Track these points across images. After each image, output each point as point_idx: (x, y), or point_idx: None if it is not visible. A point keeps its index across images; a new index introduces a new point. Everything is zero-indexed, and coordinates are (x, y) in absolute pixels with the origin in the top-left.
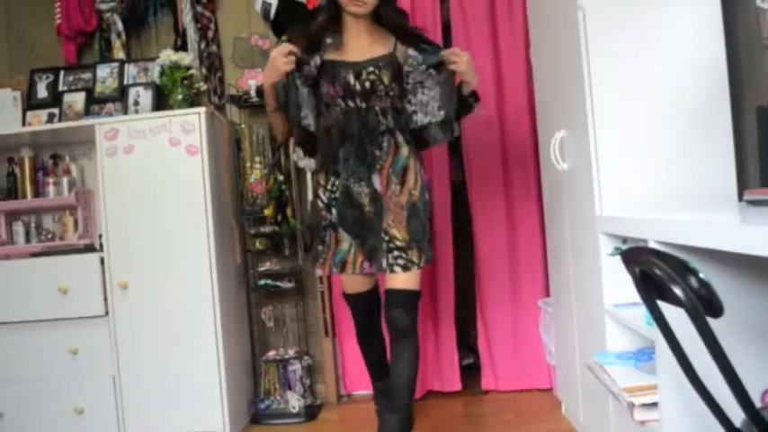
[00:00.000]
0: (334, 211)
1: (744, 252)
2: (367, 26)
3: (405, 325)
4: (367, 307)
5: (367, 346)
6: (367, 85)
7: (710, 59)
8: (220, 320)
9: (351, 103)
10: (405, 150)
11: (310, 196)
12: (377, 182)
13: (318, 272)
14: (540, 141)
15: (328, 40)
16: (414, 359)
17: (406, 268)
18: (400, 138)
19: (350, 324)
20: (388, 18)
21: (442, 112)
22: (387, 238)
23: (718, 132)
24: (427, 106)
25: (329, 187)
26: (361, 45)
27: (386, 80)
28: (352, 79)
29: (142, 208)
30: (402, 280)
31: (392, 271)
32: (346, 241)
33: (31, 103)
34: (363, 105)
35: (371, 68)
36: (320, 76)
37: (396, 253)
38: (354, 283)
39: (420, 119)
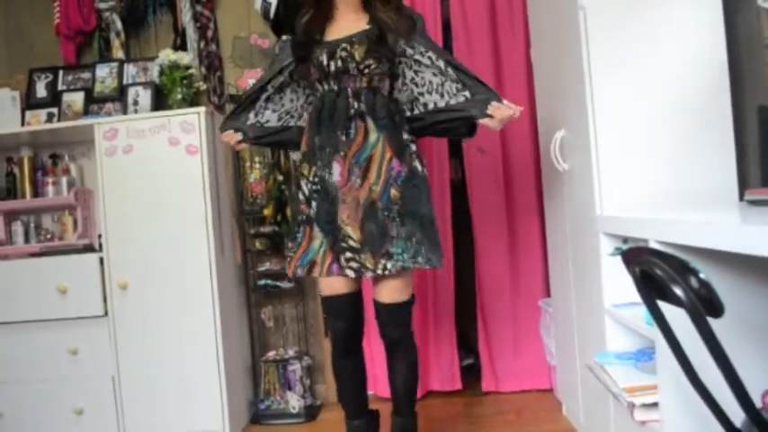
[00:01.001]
0: (313, 204)
1: (744, 252)
2: (354, 5)
3: (396, 338)
4: (344, 313)
5: (341, 366)
6: (339, 64)
7: (711, 59)
8: (220, 320)
9: (326, 86)
10: (373, 137)
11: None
12: (336, 171)
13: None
14: (540, 141)
15: (303, 20)
16: (410, 370)
17: (358, 273)
18: (371, 123)
19: None
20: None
21: (467, 91)
22: (340, 236)
23: (719, 132)
24: (443, 86)
25: (311, 178)
26: (346, 22)
27: (357, 56)
28: (325, 59)
29: (141, 208)
30: (387, 292)
31: (342, 273)
32: (318, 239)
33: (30, 102)
34: (335, 87)
35: (344, 45)
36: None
37: (348, 254)
38: (331, 284)
39: (435, 100)
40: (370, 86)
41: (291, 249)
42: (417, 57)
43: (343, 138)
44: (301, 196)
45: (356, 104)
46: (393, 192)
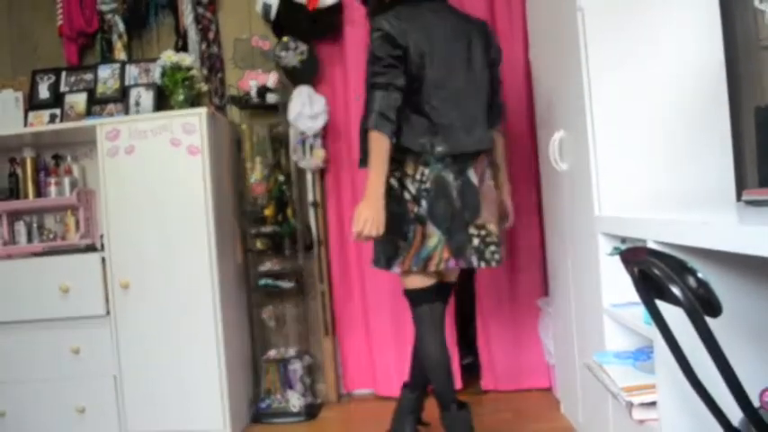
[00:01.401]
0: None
1: (742, 252)
2: None
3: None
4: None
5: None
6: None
7: (709, 60)
8: (221, 320)
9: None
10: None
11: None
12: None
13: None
14: (539, 141)
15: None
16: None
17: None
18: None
19: (350, 323)
20: None
21: None
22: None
23: (717, 133)
24: None
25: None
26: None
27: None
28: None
29: (143, 208)
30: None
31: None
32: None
33: (32, 103)
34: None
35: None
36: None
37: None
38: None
39: None
40: None
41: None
42: None
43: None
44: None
45: None
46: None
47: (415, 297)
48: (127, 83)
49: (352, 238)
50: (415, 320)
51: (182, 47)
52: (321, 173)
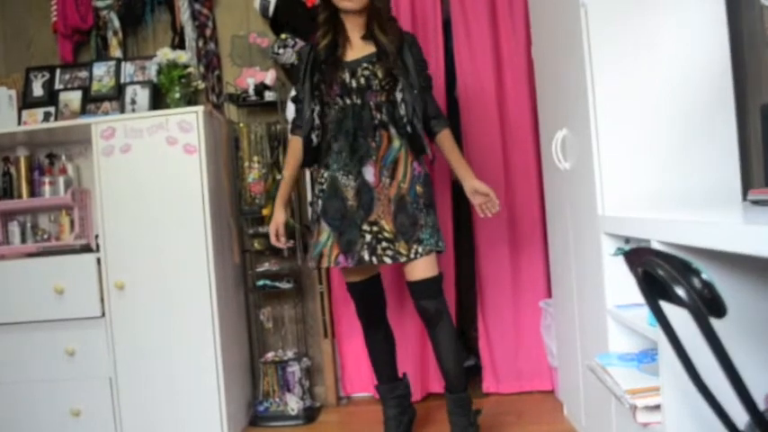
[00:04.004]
0: (320, 202)
1: (747, 252)
2: (359, 24)
3: (433, 311)
4: (365, 295)
5: (369, 340)
6: (362, 81)
7: (714, 57)
8: (218, 321)
9: (348, 101)
10: (396, 143)
11: (309, 196)
12: (369, 174)
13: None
14: (541, 140)
15: (321, 45)
16: (452, 339)
17: (394, 259)
18: (393, 131)
19: (349, 325)
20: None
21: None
22: (376, 229)
23: (722, 131)
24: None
25: (319, 179)
26: (355, 43)
27: (380, 74)
28: (348, 77)
29: (139, 208)
30: (419, 270)
31: (381, 261)
32: (325, 233)
33: (26, 101)
34: (359, 101)
35: (366, 64)
36: (320, 78)
37: (384, 244)
38: (351, 271)
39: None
40: (388, 99)
41: (310, 245)
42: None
43: (373, 144)
44: (313, 197)
45: (379, 116)
46: (418, 188)
47: (348, 291)
48: (122, 80)
49: None
50: None
51: (178, 44)
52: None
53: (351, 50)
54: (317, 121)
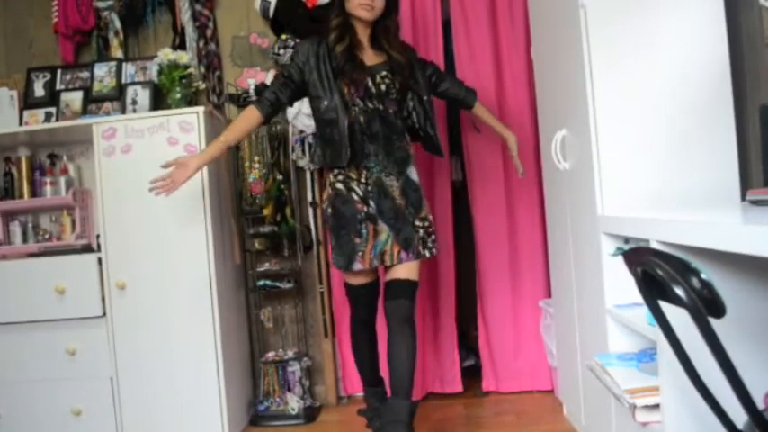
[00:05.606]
0: (372, 203)
1: (746, 252)
2: (368, 33)
3: (408, 314)
4: (369, 298)
5: (362, 343)
6: (382, 87)
7: (713, 58)
8: (219, 321)
9: (369, 104)
10: (411, 151)
11: (327, 191)
12: (413, 173)
13: (358, 266)
14: (541, 141)
15: (338, 47)
16: (414, 346)
17: (431, 252)
18: (407, 138)
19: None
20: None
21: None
22: (426, 224)
23: (721, 131)
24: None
25: (363, 180)
26: (367, 50)
27: (397, 85)
28: (370, 82)
29: (140, 208)
30: (405, 271)
31: (432, 254)
32: (385, 232)
33: (28, 102)
34: (380, 107)
35: (384, 72)
36: (336, 76)
37: (433, 237)
38: (359, 274)
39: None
40: (400, 108)
41: (360, 246)
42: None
43: (406, 147)
44: (355, 197)
45: (400, 122)
46: (414, 194)
47: (351, 294)
48: (123, 81)
49: None
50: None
51: (179, 44)
52: (320, 172)
53: (366, 57)
54: (335, 116)
